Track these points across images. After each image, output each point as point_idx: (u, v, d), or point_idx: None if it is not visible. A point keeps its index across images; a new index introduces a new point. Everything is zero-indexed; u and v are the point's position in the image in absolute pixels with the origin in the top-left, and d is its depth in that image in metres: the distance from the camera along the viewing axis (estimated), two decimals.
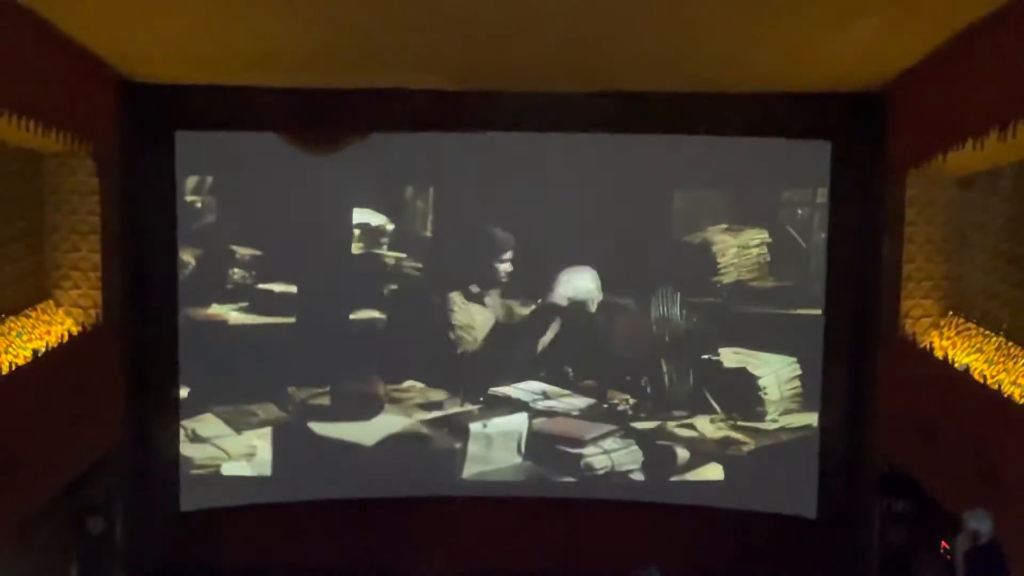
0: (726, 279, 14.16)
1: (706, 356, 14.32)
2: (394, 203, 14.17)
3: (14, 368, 10.38)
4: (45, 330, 11.66)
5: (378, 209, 14.11)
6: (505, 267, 14.16)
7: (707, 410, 14.39)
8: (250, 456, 14.29)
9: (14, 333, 11.04)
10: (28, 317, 11.58)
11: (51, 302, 12.25)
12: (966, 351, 11.44)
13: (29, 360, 10.75)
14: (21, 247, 11.67)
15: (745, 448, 14.37)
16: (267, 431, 14.27)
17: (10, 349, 10.67)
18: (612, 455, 14.48)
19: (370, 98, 13.12)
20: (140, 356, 13.56)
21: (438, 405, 14.39)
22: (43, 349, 11.16)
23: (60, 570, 12.49)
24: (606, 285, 14.25)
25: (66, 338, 11.78)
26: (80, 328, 12.18)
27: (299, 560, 13.88)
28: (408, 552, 13.82)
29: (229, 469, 14.27)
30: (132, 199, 13.13)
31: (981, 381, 10.57)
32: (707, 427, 14.40)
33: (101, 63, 12.00)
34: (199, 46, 11.41)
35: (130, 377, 13.42)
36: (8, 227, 11.34)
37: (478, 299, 14.16)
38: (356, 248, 14.09)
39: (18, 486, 10.31)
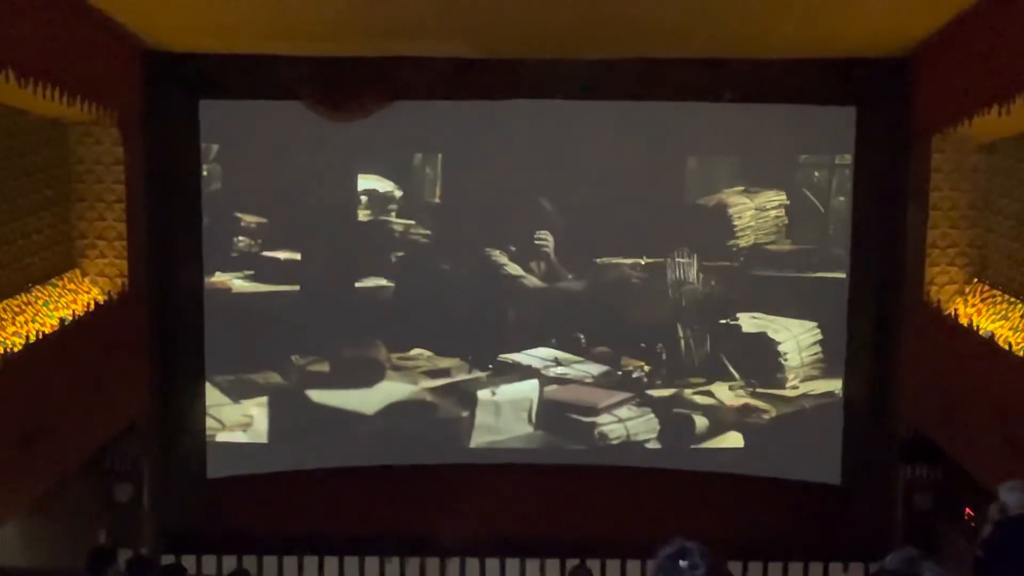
0: (743, 242, 14.00)
1: (724, 321, 14.15)
2: (402, 169, 14.03)
3: (41, 336, 10.47)
4: (71, 299, 11.75)
5: (386, 175, 13.98)
6: (517, 233, 14.04)
7: (725, 377, 14.24)
8: (246, 426, 14.18)
9: (41, 302, 11.13)
10: (55, 286, 11.68)
11: (77, 271, 12.34)
12: (991, 318, 11.42)
13: (56, 329, 10.85)
14: (47, 217, 11.75)
15: (766, 416, 14.24)
16: (264, 400, 14.17)
17: (37, 318, 10.76)
18: (627, 424, 14.32)
19: (393, 66, 13.10)
20: (166, 324, 13.61)
21: (445, 372, 14.21)
22: (69, 318, 11.26)
23: (88, 536, 12.61)
24: (619, 249, 14.10)
25: (92, 307, 11.87)
26: (106, 297, 12.27)
27: (325, 527, 13.94)
28: (430, 519, 13.88)
29: (224, 439, 14.15)
30: (157, 168, 13.16)
31: (1006, 348, 10.56)
32: (726, 394, 14.26)
33: (125, 32, 12.00)
34: (223, 15, 11.42)
35: (156, 345, 13.49)
36: (34, 197, 11.42)
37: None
38: (363, 215, 13.98)
39: (46, 453, 10.42)
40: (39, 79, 9.63)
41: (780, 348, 14.11)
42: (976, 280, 12.31)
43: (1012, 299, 11.35)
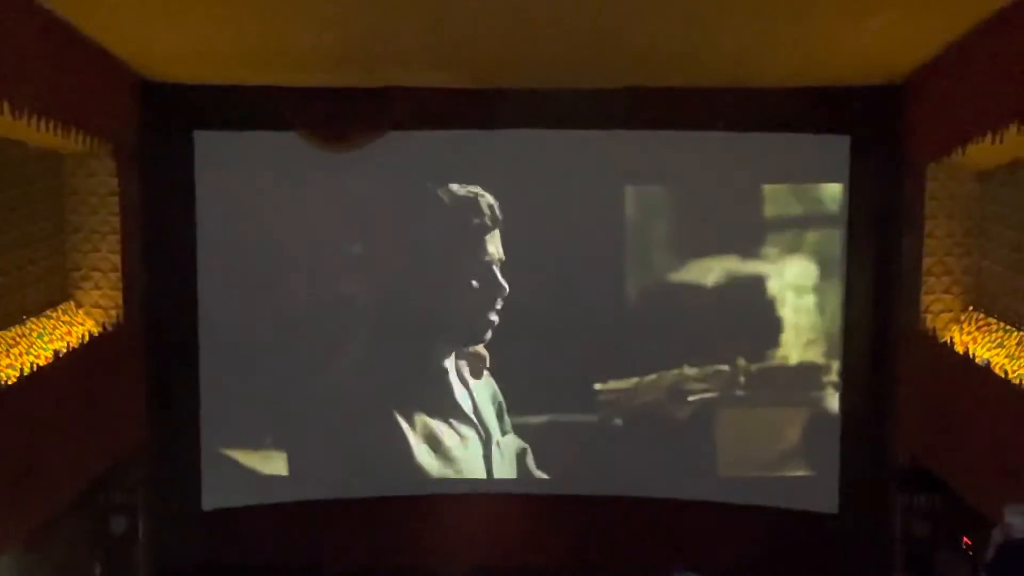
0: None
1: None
2: (393, 197, 14.01)
3: (35, 369, 10.43)
4: (66, 331, 11.71)
5: (377, 203, 13.96)
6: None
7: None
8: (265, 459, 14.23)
9: (35, 334, 11.10)
10: (49, 318, 11.64)
11: (72, 303, 12.31)
12: (987, 346, 11.40)
13: (50, 361, 10.80)
14: (42, 248, 11.73)
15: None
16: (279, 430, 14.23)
17: (32, 350, 10.72)
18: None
19: (388, 96, 13.13)
20: (161, 356, 13.58)
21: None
22: (64, 350, 11.21)
23: (83, 569, 12.55)
24: (605, 280, 14.09)
25: (87, 339, 11.83)
26: (101, 328, 12.24)
27: (320, 558, 13.92)
28: (424, 549, 13.85)
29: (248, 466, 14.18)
30: (152, 199, 13.16)
31: (1002, 376, 10.54)
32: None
33: (120, 63, 12.04)
34: (218, 46, 11.45)
35: (151, 376, 13.45)
36: (29, 228, 11.39)
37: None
38: (353, 244, 14.04)
39: (41, 486, 10.37)
40: (34, 111, 9.64)
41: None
42: (972, 308, 12.30)
43: (1008, 327, 11.34)
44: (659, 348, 14.19)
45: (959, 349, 11.70)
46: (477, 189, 13.83)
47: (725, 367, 14.10)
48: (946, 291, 12.49)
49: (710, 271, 13.94)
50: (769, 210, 14.09)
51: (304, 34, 11.01)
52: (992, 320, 11.77)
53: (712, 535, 13.77)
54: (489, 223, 13.81)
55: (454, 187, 13.85)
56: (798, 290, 13.99)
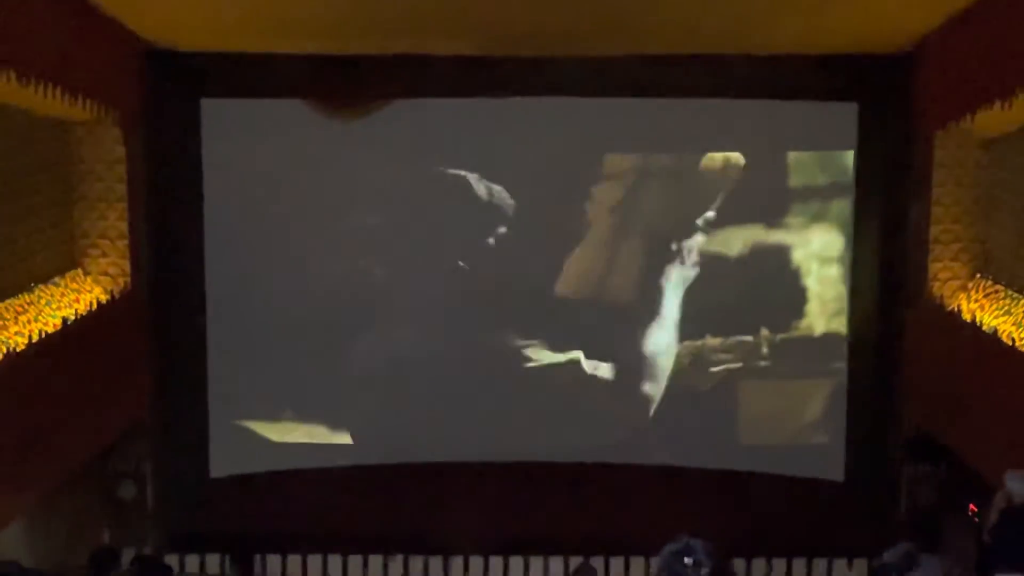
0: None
1: None
2: (402, 166, 13.86)
3: (44, 336, 10.47)
4: (74, 298, 11.75)
5: (387, 172, 13.82)
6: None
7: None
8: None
9: (43, 301, 11.13)
10: (57, 286, 11.67)
11: (80, 270, 12.34)
12: (994, 313, 11.40)
13: (58, 328, 10.84)
14: (49, 216, 11.75)
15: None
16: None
17: (40, 317, 10.75)
18: None
19: (396, 64, 13.10)
20: (169, 323, 13.60)
21: None
22: (72, 317, 11.25)
23: (92, 535, 12.62)
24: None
25: (95, 306, 11.87)
26: (109, 296, 12.27)
27: (328, 525, 13.93)
28: (433, 516, 13.88)
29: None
30: (159, 167, 13.16)
31: (1009, 344, 10.54)
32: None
33: (127, 31, 12.01)
34: (225, 13, 11.42)
35: (159, 344, 13.49)
36: (36, 196, 11.42)
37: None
38: (366, 211, 13.95)
39: (50, 452, 10.42)
40: (41, 79, 9.65)
41: None
42: (979, 275, 12.29)
43: (1015, 294, 11.34)
44: (682, 319, 14.16)
45: (966, 317, 11.70)
46: (488, 159, 13.82)
47: (748, 338, 14.07)
48: (954, 258, 12.49)
49: (734, 241, 13.91)
50: (794, 180, 13.95)
51: (311, 1, 10.98)
52: (1000, 287, 11.77)
53: (720, 502, 13.76)
54: (495, 194, 13.80)
55: (462, 157, 13.81)
56: (823, 260, 13.92)
